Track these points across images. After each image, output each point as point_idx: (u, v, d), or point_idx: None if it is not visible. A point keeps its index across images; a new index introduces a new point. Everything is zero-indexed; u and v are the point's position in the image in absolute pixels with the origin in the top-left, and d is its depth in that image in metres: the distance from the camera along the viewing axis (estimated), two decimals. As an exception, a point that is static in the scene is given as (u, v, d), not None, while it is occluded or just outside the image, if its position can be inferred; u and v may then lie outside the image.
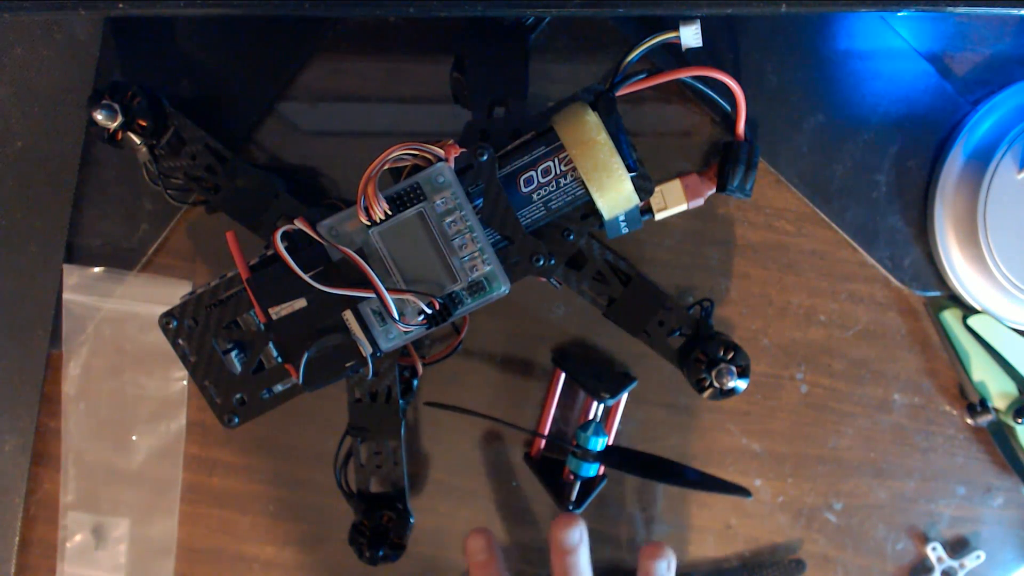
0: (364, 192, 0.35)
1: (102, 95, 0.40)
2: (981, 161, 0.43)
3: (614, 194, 0.36)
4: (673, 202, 0.43)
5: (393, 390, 0.42)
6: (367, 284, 0.35)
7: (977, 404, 0.45)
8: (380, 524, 0.43)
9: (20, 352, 0.46)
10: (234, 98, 0.45)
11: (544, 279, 0.40)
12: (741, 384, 0.41)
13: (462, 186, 0.36)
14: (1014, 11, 0.37)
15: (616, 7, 0.37)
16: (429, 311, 0.36)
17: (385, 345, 0.36)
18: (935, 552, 0.47)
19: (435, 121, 0.45)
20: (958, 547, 0.48)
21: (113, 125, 0.40)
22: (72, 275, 0.46)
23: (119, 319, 0.46)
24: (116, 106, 0.39)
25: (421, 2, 0.36)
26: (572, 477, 0.45)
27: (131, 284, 0.46)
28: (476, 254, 0.36)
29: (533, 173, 0.37)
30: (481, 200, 0.36)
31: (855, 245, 0.46)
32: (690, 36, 0.40)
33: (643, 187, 0.37)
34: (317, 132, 0.45)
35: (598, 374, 0.46)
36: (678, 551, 0.48)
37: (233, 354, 0.39)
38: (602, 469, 0.45)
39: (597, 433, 0.44)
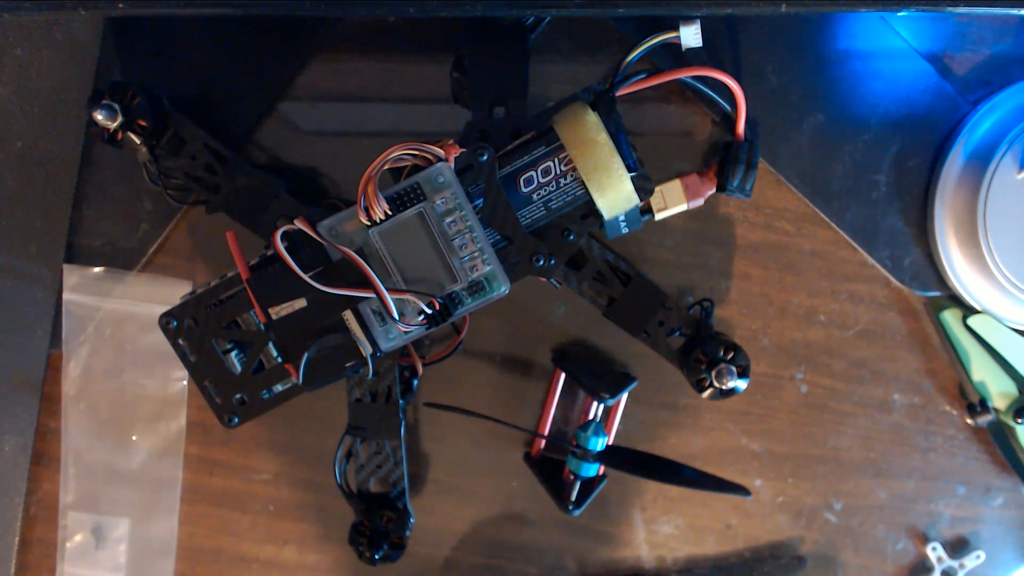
0: (364, 192, 0.35)
1: (102, 95, 0.40)
2: (981, 161, 0.43)
3: (614, 194, 0.36)
4: (673, 202, 0.43)
5: (393, 390, 0.42)
6: (367, 284, 0.35)
7: (977, 404, 0.45)
8: (380, 524, 0.43)
9: (20, 352, 0.46)
10: (234, 98, 0.45)
11: (544, 279, 0.40)
12: (741, 384, 0.41)
13: (462, 186, 0.36)
14: (1014, 11, 0.37)
15: (616, 7, 0.37)
16: (429, 311, 0.36)
17: (385, 345, 0.36)
18: (935, 552, 0.47)
19: (435, 121, 0.45)
20: (958, 547, 0.48)
21: (113, 125, 0.40)
22: (72, 275, 0.46)
23: (119, 319, 0.46)
24: (116, 106, 0.39)
25: (421, 2, 0.36)
26: (572, 477, 0.45)
27: (131, 284, 0.46)
28: (476, 254, 0.36)
29: (533, 173, 0.37)
30: (481, 200, 0.36)
31: (855, 245, 0.46)
32: (690, 36, 0.40)
33: (643, 187, 0.37)
34: (317, 132, 0.45)
35: (598, 374, 0.45)
36: (678, 551, 0.48)
37: (233, 354, 0.39)
38: (602, 469, 0.45)
39: (597, 433, 0.44)
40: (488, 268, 0.36)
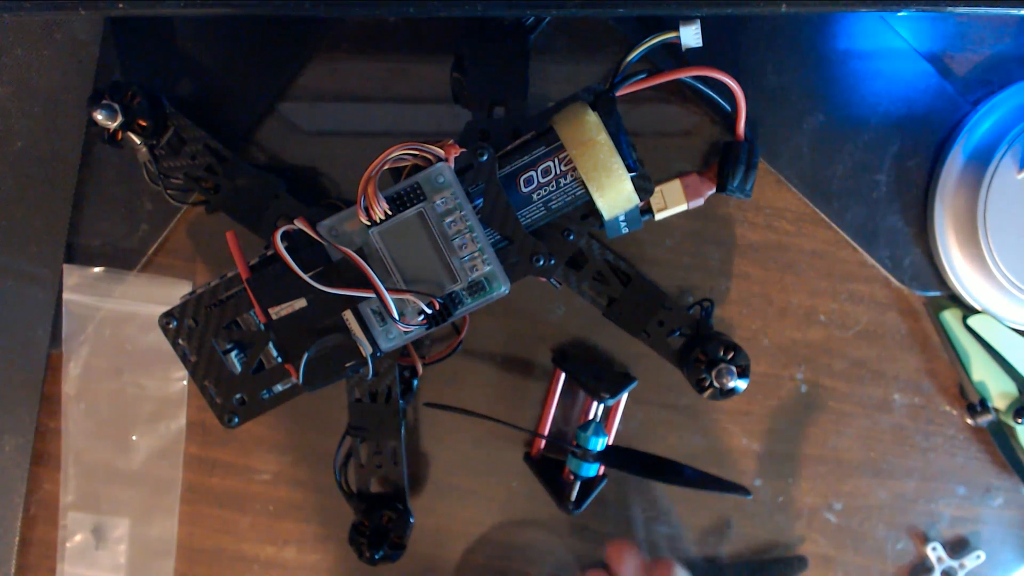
0: (364, 192, 0.35)
1: (102, 95, 0.40)
2: (981, 161, 0.43)
3: (614, 194, 0.36)
4: (673, 202, 0.43)
5: (393, 390, 0.42)
6: (367, 284, 0.35)
7: (977, 404, 0.45)
8: (380, 524, 0.43)
9: (20, 352, 0.46)
10: (234, 98, 0.45)
11: (544, 279, 0.40)
12: (741, 384, 0.41)
13: (462, 186, 0.36)
14: (1014, 11, 0.37)
15: (616, 7, 0.37)
16: (429, 311, 0.36)
17: (385, 345, 0.36)
18: (935, 552, 0.47)
19: (435, 121, 0.45)
20: (958, 547, 0.48)
21: (113, 125, 0.40)
22: (72, 275, 0.46)
23: (119, 319, 0.46)
24: (116, 106, 0.39)
25: (421, 2, 0.36)
26: (572, 477, 0.45)
27: (131, 284, 0.46)
28: (476, 254, 0.36)
29: (533, 173, 0.37)
30: (481, 200, 0.36)
31: (855, 245, 0.46)
32: (690, 36, 0.40)
33: (643, 187, 0.37)
34: (317, 132, 0.45)
35: (598, 374, 0.45)
36: (678, 551, 0.48)
37: (233, 354, 0.39)
38: (602, 469, 0.46)
39: (597, 433, 0.44)
40: (488, 268, 0.36)
